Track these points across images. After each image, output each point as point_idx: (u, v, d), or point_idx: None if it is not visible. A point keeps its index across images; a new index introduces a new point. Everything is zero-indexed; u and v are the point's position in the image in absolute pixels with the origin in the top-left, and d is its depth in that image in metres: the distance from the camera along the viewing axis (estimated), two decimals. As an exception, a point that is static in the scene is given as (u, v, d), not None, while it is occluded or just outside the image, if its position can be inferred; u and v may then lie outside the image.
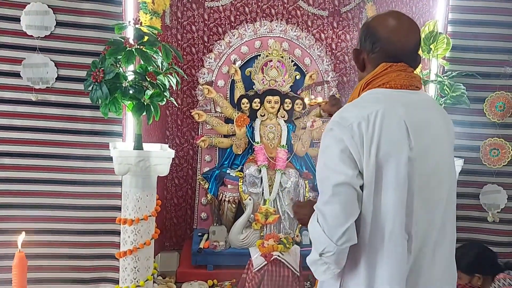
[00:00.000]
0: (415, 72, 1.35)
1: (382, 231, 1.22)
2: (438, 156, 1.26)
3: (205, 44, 3.99)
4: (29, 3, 2.56)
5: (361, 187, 1.22)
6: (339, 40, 4.15)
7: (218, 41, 3.81)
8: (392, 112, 1.22)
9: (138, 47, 2.29)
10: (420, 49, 2.68)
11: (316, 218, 1.25)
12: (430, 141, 1.25)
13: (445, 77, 2.70)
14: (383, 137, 1.19)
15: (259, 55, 3.75)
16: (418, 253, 1.25)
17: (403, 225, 1.22)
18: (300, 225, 3.44)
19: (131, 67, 2.44)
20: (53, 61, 2.61)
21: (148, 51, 2.35)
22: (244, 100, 3.68)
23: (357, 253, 1.25)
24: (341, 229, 1.19)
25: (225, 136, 3.76)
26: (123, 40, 2.29)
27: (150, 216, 2.45)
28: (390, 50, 1.29)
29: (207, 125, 3.75)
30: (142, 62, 2.36)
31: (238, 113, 3.67)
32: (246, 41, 3.79)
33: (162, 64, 2.46)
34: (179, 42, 3.95)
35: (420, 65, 2.93)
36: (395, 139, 1.20)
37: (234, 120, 3.61)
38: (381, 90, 1.29)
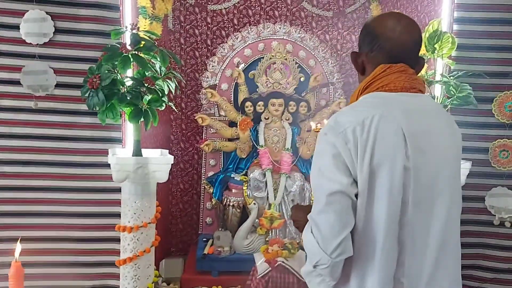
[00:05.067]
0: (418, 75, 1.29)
1: (374, 242, 1.17)
2: (439, 166, 1.20)
3: (209, 47, 3.96)
4: (27, 11, 2.55)
5: (356, 196, 1.18)
6: (344, 41, 4.09)
7: (221, 45, 3.78)
8: (389, 117, 1.17)
9: (135, 52, 2.27)
10: (425, 49, 2.64)
11: (310, 228, 1.21)
12: (430, 150, 1.19)
13: (451, 77, 2.62)
14: (377, 144, 1.15)
15: (263, 57, 3.71)
16: (414, 269, 1.19)
17: (395, 238, 1.16)
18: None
19: (129, 73, 2.43)
20: (52, 68, 2.60)
21: (145, 56, 2.33)
22: (248, 103, 3.65)
23: (347, 263, 1.20)
24: (335, 240, 1.15)
25: (229, 139, 3.73)
26: (119, 46, 2.28)
27: (149, 223, 2.44)
28: (388, 48, 1.24)
29: (211, 129, 3.73)
30: (139, 68, 2.35)
31: (242, 116, 3.63)
32: (249, 43, 3.75)
33: (160, 69, 2.45)
34: (182, 46, 3.93)
35: (426, 65, 2.87)
36: (390, 146, 1.15)
37: (238, 124, 3.57)
38: (380, 94, 1.24)
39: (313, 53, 3.80)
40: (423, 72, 2.67)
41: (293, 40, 3.77)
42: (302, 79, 3.77)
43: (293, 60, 3.72)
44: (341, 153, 1.16)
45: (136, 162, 2.37)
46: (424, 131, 1.20)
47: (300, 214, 1.37)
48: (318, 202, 1.19)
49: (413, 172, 1.16)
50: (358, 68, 1.34)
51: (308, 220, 1.24)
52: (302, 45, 3.79)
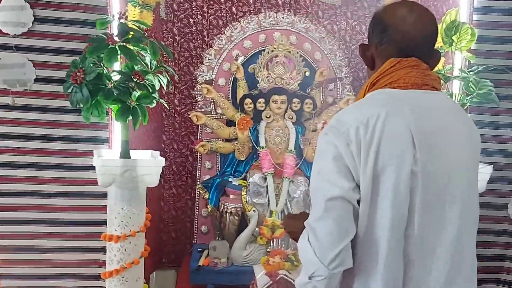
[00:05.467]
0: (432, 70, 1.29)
1: (376, 254, 1.17)
2: (452, 170, 1.19)
3: (204, 39, 3.96)
4: (3, -3, 2.56)
5: (359, 202, 1.17)
6: (354, 32, 4.08)
7: (218, 36, 3.77)
8: (396, 116, 1.17)
9: (123, 44, 2.27)
10: (441, 41, 2.63)
11: (306, 236, 1.21)
12: (442, 152, 1.18)
13: (470, 73, 2.62)
14: (382, 145, 1.14)
15: (264, 50, 3.70)
16: (424, 286, 1.18)
17: (400, 250, 1.15)
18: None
19: (116, 67, 2.43)
20: (31, 61, 2.60)
21: (133, 48, 2.33)
22: (247, 100, 3.64)
23: (348, 276, 1.20)
24: (334, 250, 1.15)
25: (227, 140, 3.72)
26: (105, 37, 2.27)
27: (138, 232, 2.44)
28: (399, 40, 1.24)
29: (207, 129, 3.72)
30: (127, 61, 2.35)
31: (240, 114, 3.63)
32: (249, 34, 3.75)
33: (150, 62, 2.45)
34: (176, 37, 3.93)
35: (443, 59, 2.86)
36: (396, 147, 1.15)
37: (236, 123, 3.57)
38: (388, 91, 1.23)
39: (319, 45, 3.79)
40: (439, 67, 2.66)
41: (298, 31, 3.76)
42: (307, 73, 3.75)
43: (297, 53, 3.71)
44: (342, 155, 1.16)
45: (124, 164, 2.36)
46: (436, 131, 1.19)
47: (295, 224, 1.37)
48: (317, 207, 1.19)
49: (422, 177, 1.15)
50: (367, 62, 1.34)
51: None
52: (307, 36, 3.78)
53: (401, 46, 1.24)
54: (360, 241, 1.18)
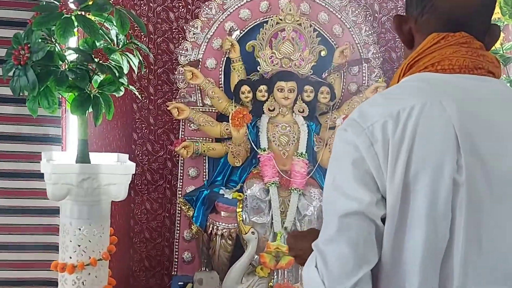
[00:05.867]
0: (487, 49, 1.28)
1: (403, 286, 1.16)
2: (507, 182, 1.18)
3: (189, 7, 3.96)
4: None
5: (383, 220, 1.17)
6: (385, -1, 4.08)
7: (206, 3, 3.77)
8: (436, 109, 1.16)
9: (80, 13, 2.28)
10: (500, 12, 2.64)
11: (314, 261, 1.21)
12: (495, 158, 1.17)
13: (537, 53, 2.62)
14: (416, 146, 1.14)
15: (266, 21, 3.71)
16: None
17: (436, 281, 1.15)
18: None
19: (71, 43, 2.44)
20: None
21: (95, 18, 2.34)
22: (245, 88, 3.64)
23: None
24: (348, 282, 1.15)
25: (217, 140, 3.73)
26: (58, 4, 2.28)
27: (100, 259, 2.44)
28: (445, 10, 1.24)
29: (191, 125, 3.72)
30: (87, 36, 2.35)
31: (235, 106, 3.63)
32: (247, 1, 3.75)
33: (117, 37, 2.45)
34: (151, 5, 3.93)
35: (502, 35, 2.86)
36: (434, 150, 1.14)
37: (230, 117, 3.56)
38: (428, 75, 1.23)
39: (339, 17, 3.79)
40: (497, 45, 2.66)
41: (311, -3, 3.78)
42: (323, 53, 3.76)
43: (311, 26, 3.71)
44: (364, 158, 1.15)
45: (82, 171, 2.37)
46: (488, 130, 1.18)
47: (302, 244, 1.38)
48: (328, 226, 1.19)
49: (467, 189, 1.14)
50: (404, 39, 1.34)
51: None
52: (323, 3, 3.79)
53: (448, 17, 1.24)
54: (384, 271, 1.17)
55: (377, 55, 3.87)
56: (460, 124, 1.16)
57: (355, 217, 1.15)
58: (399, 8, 4.05)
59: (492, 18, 1.30)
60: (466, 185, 1.14)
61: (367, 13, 4.01)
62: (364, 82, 3.84)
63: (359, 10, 3.86)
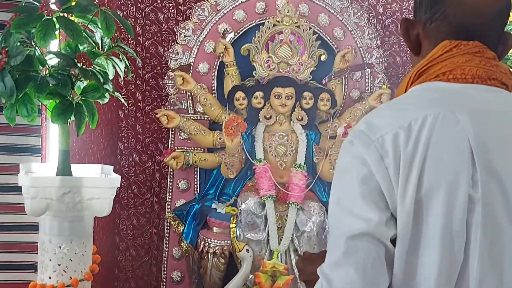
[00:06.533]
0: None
1: None
2: None
3: (179, 7, 3.96)
4: None
5: (393, 241, 1.17)
6: (390, 0, 4.09)
7: (199, 3, 3.78)
8: (449, 121, 1.17)
9: (62, 14, 2.28)
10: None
11: (320, 287, 1.21)
12: (511, 174, 1.18)
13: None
14: (429, 161, 1.14)
15: (263, 23, 3.72)
16: None
17: None
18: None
19: (53, 47, 2.44)
20: None
21: (78, 20, 2.35)
22: (239, 94, 3.65)
23: None
24: None
25: (209, 150, 3.73)
26: (38, 4, 2.28)
27: (82, 280, 2.43)
28: (457, 17, 1.24)
29: (182, 134, 3.72)
30: (69, 39, 2.35)
31: (229, 114, 3.63)
32: (242, 2, 3.76)
33: (102, 40, 2.46)
34: (139, 5, 3.93)
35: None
36: (448, 165, 1.15)
37: (223, 126, 3.56)
38: (439, 85, 1.24)
39: (340, 19, 3.81)
40: (510, 54, 2.66)
41: (310, -2, 3.80)
42: (323, 57, 3.77)
43: (310, 28, 3.72)
44: (373, 173, 1.15)
45: (63, 184, 2.36)
46: (502, 145, 1.18)
47: (312, 269, 1.35)
48: (334, 249, 1.19)
49: (483, 207, 1.14)
50: (410, 45, 1.34)
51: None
52: (323, 5, 3.80)
53: (460, 25, 1.24)
54: None
55: (380, 60, 3.87)
56: (474, 137, 1.16)
57: (363, 238, 1.14)
58: (404, 10, 4.06)
59: (505, 28, 1.31)
60: (482, 202, 1.15)
61: (370, 15, 4.02)
62: (367, 88, 3.84)
63: (361, 11, 3.87)
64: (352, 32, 3.82)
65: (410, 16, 1.37)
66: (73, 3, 2.31)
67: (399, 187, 1.14)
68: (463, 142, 1.16)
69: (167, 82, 3.78)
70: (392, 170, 1.15)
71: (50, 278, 2.40)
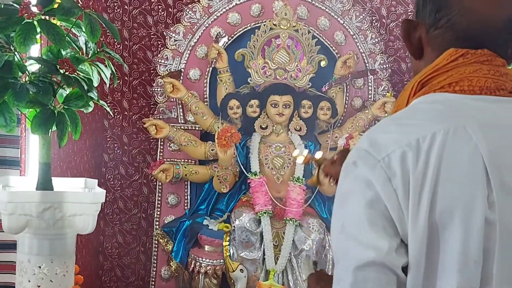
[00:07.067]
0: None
1: None
2: None
3: (169, 10, 3.98)
4: None
5: (405, 269, 1.15)
6: (394, 3, 4.11)
7: (190, 5, 3.79)
8: (461, 137, 1.15)
9: (44, 17, 2.28)
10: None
11: None
12: None
13: None
14: (442, 181, 1.13)
15: (259, 27, 3.73)
16: None
17: None
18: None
19: (33, 52, 2.43)
20: None
21: (61, 24, 2.34)
22: (233, 103, 3.66)
23: None
24: None
25: (201, 162, 3.74)
26: (18, 7, 2.28)
27: (63, 303, 2.42)
28: (463, 27, 1.23)
29: (171, 145, 3.73)
30: (51, 43, 2.35)
31: (222, 124, 3.63)
32: (236, 4, 3.77)
33: (86, 45, 2.45)
34: (126, 7, 3.94)
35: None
36: (463, 185, 1.13)
37: (216, 136, 3.57)
38: (445, 96, 1.23)
39: (341, 22, 3.82)
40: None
41: (309, 0, 3.80)
42: (323, 63, 3.78)
43: (309, 32, 3.74)
44: (380, 197, 1.14)
45: (43, 199, 2.35)
46: None
47: None
48: (341, 280, 1.17)
49: (500, 230, 1.13)
50: (411, 49, 1.32)
51: None
52: (323, 7, 3.81)
53: (467, 34, 1.23)
54: None
55: (384, 66, 3.89)
56: (488, 154, 1.15)
57: (372, 268, 1.13)
58: (409, 13, 4.08)
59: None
60: (500, 224, 1.14)
61: (373, 18, 4.04)
62: (370, 96, 3.86)
63: (364, 14, 3.88)
64: (354, 36, 3.83)
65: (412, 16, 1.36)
66: (56, 6, 2.30)
67: (410, 212, 1.13)
68: (476, 160, 1.15)
69: (155, 89, 3.78)
70: (401, 192, 1.13)
71: (29, 300, 2.38)
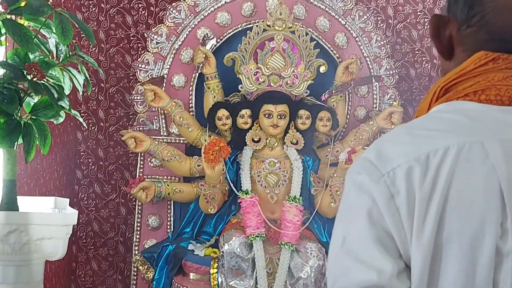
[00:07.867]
0: None
1: None
2: None
3: (151, 8, 4.00)
4: None
5: None
6: (402, 1, 4.14)
7: (174, 3, 3.80)
8: (476, 154, 1.15)
9: (10, 17, 2.28)
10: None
11: None
12: None
13: None
14: (451, 203, 1.12)
15: (251, 28, 3.74)
16: None
17: None
18: None
19: (-2, 55, 2.43)
20: None
21: (28, 24, 2.34)
22: (222, 113, 3.66)
23: None
24: None
25: (185, 180, 3.74)
26: (-20, 5, 2.29)
27: (30, 339, 2.41)
28: (497, 28, 1.23)
29: (153, 160, 3.73)
30: (17, 46, 2.35)
31: (210, 136, 3.63)
32: (226, 2, 3.79)
33: (57, 48, 2.45)
34: (102, 6, 3.95)
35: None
36: (474, 209, 1.13)
37: (203, 150, 3.56)
38: (468, 106, 1.22)
39: (343, 23, 3.84)
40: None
41: (307, -2, 3.83)
42: (322, 69, 3.78)
43: (307, 34, 3.74)
44: (383, 215, 1.14)
45: (7, 221, 2.34)
46: None
47: None
48: None
49: None
50: (441, 48, 1.32)
51: None
52: (322, 6, 3.83)
53: (501, 36, 1.24)
54: None
55: (391, 72, 3.89)
56: (507, 176, 1.15)
57: None
58: (418, 13, 4.10)
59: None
60: None
61: (379, 18, 4.06)
62: (375, 106, 3.86)
63: (368, 14, 3.89)
64: (357, 38, 3.85)
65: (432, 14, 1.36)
66: (23, 4, 2.30)
67: (413, 233, 1.13)
68: (491, 181, 1.14)
69: (135, 97, 3.78)
70: (405, 212, 1.13)
71: (-9, 336, 2.37)
